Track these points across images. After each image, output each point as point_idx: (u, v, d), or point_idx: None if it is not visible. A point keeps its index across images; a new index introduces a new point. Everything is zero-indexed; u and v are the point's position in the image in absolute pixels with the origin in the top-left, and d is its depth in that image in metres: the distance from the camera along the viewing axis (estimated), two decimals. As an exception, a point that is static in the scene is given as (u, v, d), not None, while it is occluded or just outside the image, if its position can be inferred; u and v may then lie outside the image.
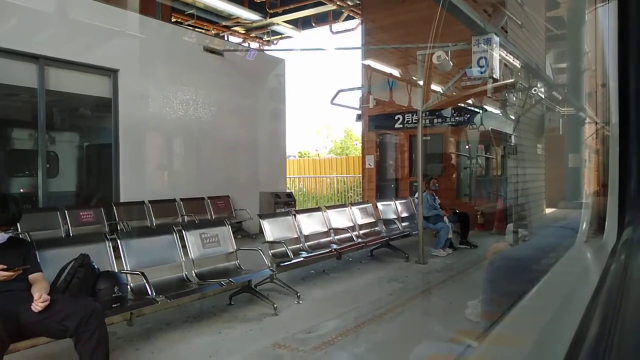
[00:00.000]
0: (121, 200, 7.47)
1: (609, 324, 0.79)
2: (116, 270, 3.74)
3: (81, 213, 6.67)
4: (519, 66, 7.28)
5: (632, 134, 1.62)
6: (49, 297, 2.77)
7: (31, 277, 2.97)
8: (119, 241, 4.02)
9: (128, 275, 3.86)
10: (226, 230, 5.01)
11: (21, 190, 7.04)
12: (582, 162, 8.49)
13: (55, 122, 7.32)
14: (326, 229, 6.45)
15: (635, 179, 1.59)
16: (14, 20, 6.33)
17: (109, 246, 3.90)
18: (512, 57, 6.85)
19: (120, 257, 3.95)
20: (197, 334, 4.02)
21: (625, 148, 1.65)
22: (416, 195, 7.61)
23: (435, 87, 9.46)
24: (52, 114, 7.10)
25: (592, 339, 0.76)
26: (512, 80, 7.30)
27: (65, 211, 6.46)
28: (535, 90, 7.95)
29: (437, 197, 8.11)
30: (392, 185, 11.62)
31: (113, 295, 3.34)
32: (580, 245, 2.44)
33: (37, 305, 2.71)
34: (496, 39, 6.12)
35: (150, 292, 3.70)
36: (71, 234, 6.26)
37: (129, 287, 3.75)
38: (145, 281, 3.73)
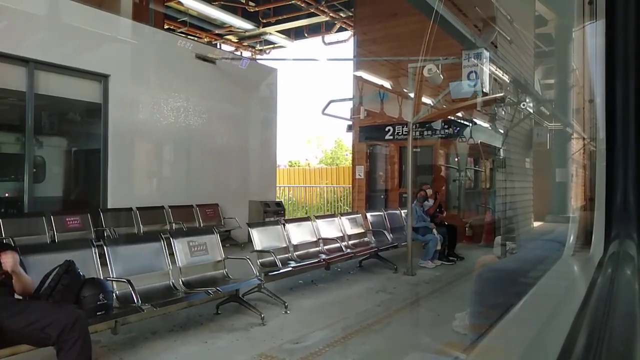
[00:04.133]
0: (109, 207, 7.39)
1: (596, 337, 0.79)
2: (102, 278, 3.69)
3: (67, 219, 6.58)
4: (508, 81, 7.39)
5: (618, 150, 1.65)
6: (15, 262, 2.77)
7: None
8: (105, 248, 3.96)
9: (114, 282, 3.80)
10: (214, 239, 4.97)
11: (6, 195, 6.93)
12: (569, 177, 8.61)
13: (44, 126, 7.24)
14: (315, 239, 6.44)
15: (621, 193, 1.62)
16: (4, 22, 6.28)
17: (95, 253, 3.85)
18: (501, 72, 6.95)
19: (107, 264, 3.90)
20: (183, 343, 3.96)
21: (611, 163, 1.67)
22: (414, 204, 7.67)
23: (425, 99, 9.56)
24: (40, 118, 7.03)
25: (579, 353, 0.76)
26: (501, 94, 7.40)
27: (51, 216, 6.37)
28: (523, 105, 8.07)
29: (436, 207, 8.16)
30: (382, 196, 11.65)
31: (98, 302, 3.29)
32: (567, 259, 2.46)
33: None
34: (486, 53, 6.21)
35: (136, 300, 3.65)
36: (56, 240, 6.17)
37: (114, 294, 3.70)
38: (131, 289, 3.68)
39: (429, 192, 8.28)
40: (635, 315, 0.86)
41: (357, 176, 11.89)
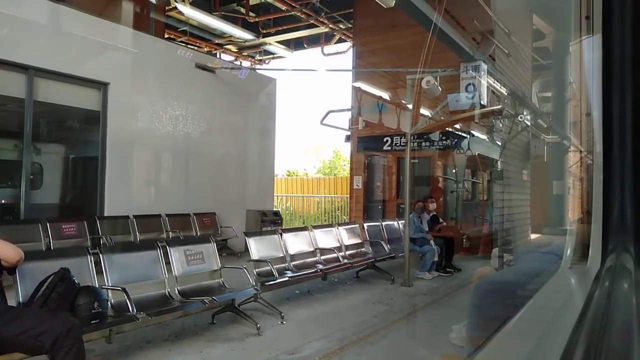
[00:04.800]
0: (105, 214, 7.36)
1: (594, 351, 0.79)
2: (97, 286, 3.66)
3: (63, 226, 6.55)
4: (506, 93, 7.44)
5: (615, 163, 1.66)
6: None
7: None
8: (101, 256, 3.94)
9: (109, 290, 3.77)
10: (211, 248, 4.95)
11: (2, 201, 6.90)
12: (566, 189, 8.63)
13: (42, 133, 7.24)
14: (312, 249, 6.42)
15: (618, 206, 1.62)
16: (5, 30, 6.30)
17: (91, 261, 3.82)
18: (499, 84, 6.99)
19: (102, 272, 3.87)
20: (177, 352, 3.93)
21: (608, 176, 1.68)
22: (411, 215, 7.68)
23: (424, 111, 9.60)
24: (38, 125, 7.02)
25: (576, 366, 0.76)
26: (499, 107, 7.44)
27: (47, 224, 6.34)
28: (521, 118, 8.10)
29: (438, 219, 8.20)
30: (380, 207, 11.65)
31: (92, 311, 3.26)
32: (564, 271, 2.46)
33: None
34: (484, 66, 6.25)
35: (131, 309, 3.62)
36: (52, 247, 6.13)
37: (109, 303, 3.67)
38: (126, 297, 3.65)
39: (433, 206, 8.29)
40: (632, 329, 0.86)
41: (355, 186, 11.90)
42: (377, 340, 4.49)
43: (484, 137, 10.82)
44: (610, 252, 1.66)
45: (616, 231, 1.64)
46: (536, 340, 1.44)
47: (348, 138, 12.34)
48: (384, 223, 8.42)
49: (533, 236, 9.62)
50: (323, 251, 6.51)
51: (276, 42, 14.29)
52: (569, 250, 2.60)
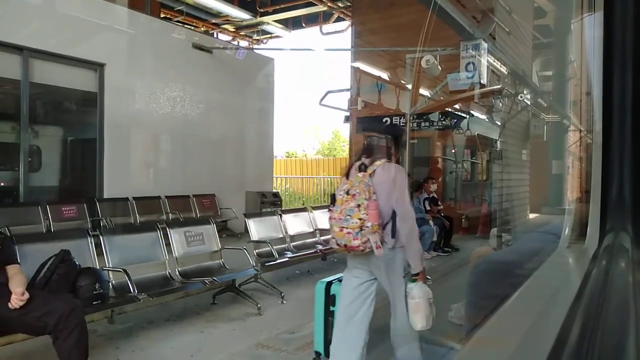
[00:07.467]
0: (105, 196, 7.37)
1: (590, 328, 0.80)
2: (98, 267, 3.69)
3: (63, 208, 6.55)
4: (506, 73, 7.38)
5: (614, 142, 1.65)
6: (28, 295, 2.70)
7: (8, 268, 2.89)
8: (101, 237, 3.96)
9: (110, 272, 3.80)
10: (211, 229, 4.97)
11: (2, 184, 6.89)
12: (565, 169, 8.63)
13: (39, 115, 7.19)
14: (312, 230, 6.44)
15: (617, 186, 1.62)
16: (-1, 10, 6.21)
17: (91, 242, 3.84)
18: (499, 63, 6.93)
19: (103, 253, 3.90)
20: (179, 332, 3.98)
21: (608, 156, 1.68)
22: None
23: (423, 91, 9.53)
24: (35, 107, 6.97)
25: (573, 343, 0.77)
26: (499, 86, 7.40)
27: (47, 206, 6.35)
28: (521, 97, 8.06)
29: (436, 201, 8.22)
30: (379, 188, 11.63)
31: (94, 292, 3.29)
32: (562, 251, 2.48)
33: (16, 302, 2.65)
34: (484, 45, 6.19)
35: (132, 290, 3.65)
36: (52, 230, 6.15)
37: (110, 284, 3.70)
38: (127, 278, 3.68)
39: (434, 187, 8.29)
40: (628, 307, 0.87)
41: (354, 167, 11.86)
42: (376, 318, 4.54)
43: (483, 117, 10.77)
44: (608, 231, 1.67)
45: (614, 210, 1.65)
46: (534, 318, 1.46)
47: (347, 119, 12.27)
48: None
49: (532, 216, 9.67)
50: (323, 232, 6.54)
51: (274, 21, 14.09)
52: (567, 230, 2.61)
